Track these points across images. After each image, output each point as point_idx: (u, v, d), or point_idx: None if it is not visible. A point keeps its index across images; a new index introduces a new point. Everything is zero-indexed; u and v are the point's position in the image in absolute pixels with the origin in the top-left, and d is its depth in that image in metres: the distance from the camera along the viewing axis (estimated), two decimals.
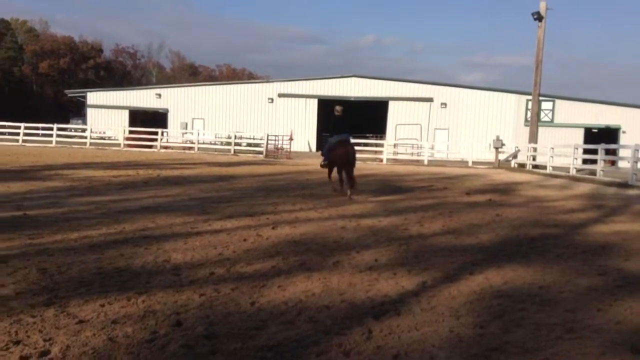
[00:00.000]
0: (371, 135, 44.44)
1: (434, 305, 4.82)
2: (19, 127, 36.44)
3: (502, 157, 31.93)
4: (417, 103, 44.62)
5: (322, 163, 13.83)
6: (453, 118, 44.22)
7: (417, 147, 38.76)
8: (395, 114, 44.83)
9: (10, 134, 37.66)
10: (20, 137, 35.98)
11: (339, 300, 4.88)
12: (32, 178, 14.23)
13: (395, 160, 33.13)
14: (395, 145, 37.83)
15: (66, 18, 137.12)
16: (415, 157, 35.80)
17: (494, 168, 29.18)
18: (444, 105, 44.27)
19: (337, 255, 6.67)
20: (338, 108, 13.59)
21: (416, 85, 45.86)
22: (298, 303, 4.78)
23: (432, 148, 37.48)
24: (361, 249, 7.06)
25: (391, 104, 44.90)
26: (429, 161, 31.92)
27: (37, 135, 37.28)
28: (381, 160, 31.63)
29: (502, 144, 32.06)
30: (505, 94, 44.37)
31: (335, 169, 13.53)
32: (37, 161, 20.48)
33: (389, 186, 16.15)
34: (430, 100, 44.43)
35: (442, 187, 16.43)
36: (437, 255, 6.85)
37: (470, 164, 31.10)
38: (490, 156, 32.84)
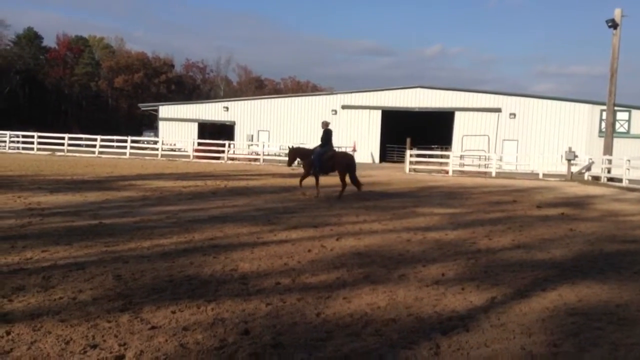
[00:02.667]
0: (436, 146, 43.79)
1: (504, 322, 4.69)
2: (95, 139, 38.25)
3: (574, 169, 30.61)
4: (484, 113, 43.62)
5: (313, 171, 15.03)
6: (522, 129, 42.92)
7: (485, 158, 37.86)
8: (461, 124, 44.00)
9: (87, 145, 39.62)
10: (97, 149, 37.72)
11: (406, 314, 4.82)
12: (107, 188, 14.90)
13: (462, 172, 32.44)
14: (461, 157, 37.04)
15: (142, 35, 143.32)
16: (482, 169, 34.98)
17: (566, 180, 28.06)
18: (512, 115, 43.06)
19: (403, 268, 6.60)
20: (326, 121, 15.65)
21: (483, 95, 44.86)
22: (364, 315, 4.76)
23: (500, 160, 36.47)
24: (427, 262, 6.96)
25: (457, 114, 44.11)
26: (497, 173, 31.09)
27: (112, 147, 39.01)
28: (447, 172, 31.07)
29: (575, 156, 30.73)
30: (577, 104, 42.69)
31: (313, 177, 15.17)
32: (112, 172, 21.43)
33: (456, 198, 15.84)
34: (498, 110, 43.33)
35: (511, 200, 15.96)
36: (507, 270, 6.65)
37: (540, 176, 30.04)
38: (562, 168, 31.56)
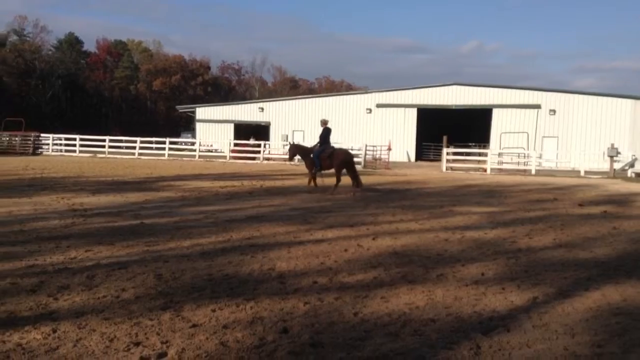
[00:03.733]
0: (474, 144, 43.15)
1: (546, 322, 4.60)
2: (135, 141, 39.07)
3: (617, 166, 29.78)
4: (523, 110, 42.76)
5: (315, 170, 15.45)
6: (563, 125, 41.91)
7: (524, 156, 37.13)
8: (499, 122, 43.22)
9: (127, 147, 40.48)
10: (136, 150, 38.49)
11: (445, 314, 4.77)
12: (147, 189, 15.19)
13: (500, 170, 31.89)
14: (500, 155, 36.42)
15: (179, 39, 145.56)
16: (521, 167, 34.34)
17: (608, 178, 27.32)
18: (552, 112, 42.09)
19: (441, 267, 6.54)
20: (324, 120, 16.09)
21: (522, 91, 43.96)
22: (402, 315, 4.73)
23: (540, 157, 35.67)
24: (466, 262, 6.87)
25: (495, 111, 43.36)
26: (536, 171, 30.47)
27: (151, 148, 39.73)
28: (485, 170, 30.60)
29: (618, 153, 29.90)
30: (620, 100, 41.45)
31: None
32: (151, 173, 21.84)
33: (494, 197, 15.60)
34: (537, 107, 42.42)
35: (552, 198, 15.62)
36: (549, 269, 6.52)
37: (582, 173, 29.33)
38: (604, 165, 30.73)
